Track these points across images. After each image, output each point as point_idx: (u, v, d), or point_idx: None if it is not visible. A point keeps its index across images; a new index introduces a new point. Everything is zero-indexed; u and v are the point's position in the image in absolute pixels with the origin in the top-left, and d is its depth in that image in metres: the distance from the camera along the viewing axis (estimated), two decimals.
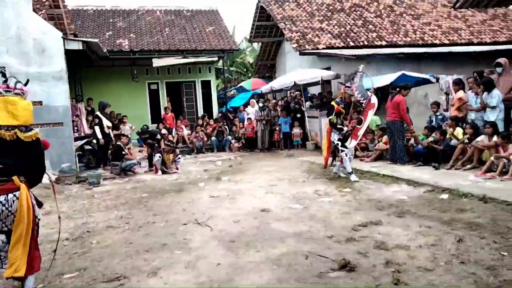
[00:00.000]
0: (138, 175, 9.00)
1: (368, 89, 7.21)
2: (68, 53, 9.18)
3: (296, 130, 12.09)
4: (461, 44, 13.90)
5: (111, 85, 14.47)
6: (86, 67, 13.13)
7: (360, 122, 7.08)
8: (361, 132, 7.17)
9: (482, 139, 6.83)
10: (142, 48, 13.85)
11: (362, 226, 4.29)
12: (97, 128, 9.65)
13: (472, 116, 7.61)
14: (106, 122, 9.70)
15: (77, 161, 9.26)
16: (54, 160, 8.80)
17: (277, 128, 12.36)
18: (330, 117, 6.92)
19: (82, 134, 10.76)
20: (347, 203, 5.37)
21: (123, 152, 9.09)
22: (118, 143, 9.41)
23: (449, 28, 14.97)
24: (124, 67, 14.74)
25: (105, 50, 11.83)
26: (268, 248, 3.83)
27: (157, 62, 13.71)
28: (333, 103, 6.99)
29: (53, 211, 5.89)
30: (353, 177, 6.74)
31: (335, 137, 6.96)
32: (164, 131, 11.70)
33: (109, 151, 9.92)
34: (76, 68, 12.37)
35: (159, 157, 8.94)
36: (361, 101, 7.13)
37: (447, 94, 8.88)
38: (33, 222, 2.84)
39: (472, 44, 13.97)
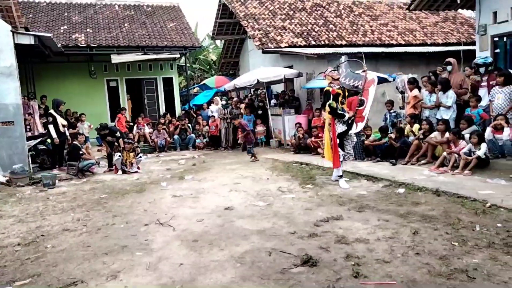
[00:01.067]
0: (96, 175, 8.67)
1: (356, 73, 6.75)
2: (19, 48, 8.66)
3: (260, 128, 12.14)
4: (416, 45, 14.54)
5: (67, 82, 13.84)
6: (40, 63, 12.45)
7: (362, 103, 6.49)
8: (366, 111, 6.58)
9: (435, 136, 7.19)
10: (100, 43, 13.33)
11: (324, 221, 4.38)
12: (51, 127, 9.18)
13: (426, 113, 7.99)
14: (61, 121, 9.26)
15: (30, 161, 8.76)
16: (5, 161, 8.30)
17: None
18: (329, 101, 6.08)
19: (36, 133, 10.20)
20: (310, 199, 5.47)
21: (80, 152, 8.72)
22: (74, 142, 9.01)
23: (405, 29, 15.61)
24: (80, 63, 14.13)
25: (59, 45, 11.29)
26: (232, 246, 3.82)
27: (116, 58, 13.25)
28: (327, 88, 6.23)
29: (4, 215, 5.57)
30: (343, 184, 6.04)
31: (339, 128, 6.17)
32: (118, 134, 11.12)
33: (65, 151, 9.49)
34: (28, 64, 11.69)
35: (119, 156, 8.67)
36: (356, 85, 6.61)
37: (402, 92, 9.25)
38: None
39: (425, 44, 14.65)
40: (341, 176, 6.15)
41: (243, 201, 5.54)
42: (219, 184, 6.87)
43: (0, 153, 8.33)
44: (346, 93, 6.45)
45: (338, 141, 6.14)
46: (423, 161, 7.24)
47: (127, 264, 3.55)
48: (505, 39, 9.00)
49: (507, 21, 8.76)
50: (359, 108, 6.49)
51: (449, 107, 7.45)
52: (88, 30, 13.96)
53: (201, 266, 3.40)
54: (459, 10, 13.73)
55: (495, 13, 9.04)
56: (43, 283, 3.25)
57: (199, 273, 3.27)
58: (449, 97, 7.44)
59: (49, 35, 9.79)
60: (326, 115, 6.41)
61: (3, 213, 5.65)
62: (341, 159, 6.19)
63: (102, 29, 14.17)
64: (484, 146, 6.28)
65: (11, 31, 8.46)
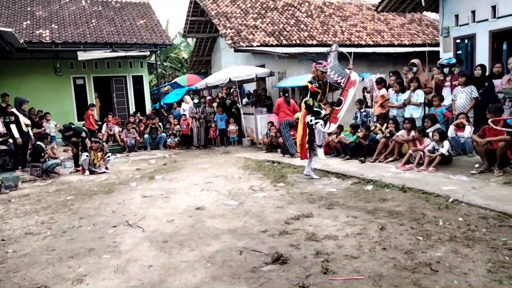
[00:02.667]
0: (62, 176, 8.37)
1: (342, 68, 6.60)
2: None
3: (232, 127, 12.12)
4: (384, 45, 14.93)
5: (30, 80, 13.26)
6: (0, 60, 11.87)
7: (339, 103, 6.46)
8: (341, 114, 6.47)
9: (401, 134, 7.41)
10: (65, 40, 12.85)
11: (295, 219, 4.42)
12: (13, 127, 8.75)
13: (394, 112, 8.22)
14: (24, 120, 8.86)
15: None
16: None
17: (213, 125, 12.28)
18: (306, 98, 6.12)
19: None
20: (281, 197, 5.51)
21: (42, 154, 8.37)
22: (38, 142, 8.66)
23: (373, 30, 15.99)
24: (45, 60, 13.57)
25: (22, 41, 10.80)
26: (203, 246, 3.79)
27: (82, 56, 12.82)
28: (306, 83, 6.17)
29: None
30: (314, 176, 6.50)
31: (309, 119, 6.18)
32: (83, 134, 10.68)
33: (28, 151, 9.10)
34: None
35: (86, 156, 8.40)
36: (338, 81, 6.47)
37: (368, 92, 9.47)
38: None
39: (393, 45, 15.07)
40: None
41: (214, 201, 5.51)
42: (191, 183, 6.80)
43: None
44: (327, 89, 6.36)
45: (307, 135, 6.19)
46: (390, 159, 7.45)
47: (94, 267, 3.45)
48: (466, 41, 9.41)
49: (467, 24, 9.15)
50: (336, 108, 6.44)
51: (420, 105, 7.70)
52: (53, 25, 13.44)
53: (171, 267, 3.35)
54: (424, 13, 14.19)
55: (457, 16, 9.43)
56: None
57: (169, 274, 3.23)
58: (420, 95, 7.69)
59: (9, 30, 9.35)
60: (301, 111, 6.30)
61: None
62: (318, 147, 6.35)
63: (68, 25, 13.67)
64: (447, 144, 6.54)
65: None
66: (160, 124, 13.19)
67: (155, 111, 14.70)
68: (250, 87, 14.30)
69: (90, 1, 15.60)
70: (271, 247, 3.63)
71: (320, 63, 6.17)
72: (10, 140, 9.08)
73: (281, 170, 7.53)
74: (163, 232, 4.29)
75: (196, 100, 12.25)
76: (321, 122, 6.25)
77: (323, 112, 6.17)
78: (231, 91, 13.60)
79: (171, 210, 5.18)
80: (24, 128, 8.92)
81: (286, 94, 9.59)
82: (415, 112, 7.71)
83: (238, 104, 12.37)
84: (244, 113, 12.05)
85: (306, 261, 3.30)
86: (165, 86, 19.62)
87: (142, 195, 6.14)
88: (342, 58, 6.94)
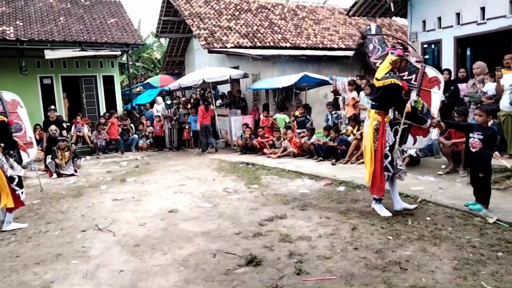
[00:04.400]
0: (28, 179, 8.03)
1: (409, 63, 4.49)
2: None
3: None
4: (355, 49, 15.26)
5: None
6: None
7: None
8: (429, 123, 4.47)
9: None
10: (31, 37, 12.35)
11: (269, 220, 4.44)
12: None
13: (365, 114, 8.41)
14: None
15: None
16: None
17: (186, 127, 12.15)
18: (414, 98, 4.30)
19: None
20: (255, 199, 5.52)
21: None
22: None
23: (345, 33, 16.34)
24: (9, 58, 12.97)
25: None
26: (175, 249, 3.74)
27: (50, 54, 12.36)
28: (392, 80, 4.15)
29: None
30: (381, 210, 4.43)
31: (390, 139, 4.34)
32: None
33: None
34: None
35: (51, 158, 8.09)
36: (405, 78, 4.47)
37: (338, 94, 9.63)
38: None
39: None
40: (379, 200, 4.45)
41: (188, 203, 5.45)
42: (163, 186, 6.69)
43: None
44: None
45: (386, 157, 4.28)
46: (361, 160, 7.60)
47: (61, 273, 3.33)
48: (432, 46, 9.77)
49: (434, 29, 9.51)
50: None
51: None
52: (17, 22, 12.89)
53: (143, 272, 3.28)
54: (394, 18, 14.64)
55: (424, 22, 9.78)
56: None
57: (141, 279, 3.16)
58: None
59: None
60: (373, 116, 4.36)
61: None
62: (386, 180, 4.39)
63: (34, 22, 13.15)
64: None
65: None
66: (132, 125, 12.92)
67: (127, 112, 14.38)
68: (224, 89, 14.26)
69: None
70: (245, 249, 3.62)
71: (406, 49, 4.35)
72: None
73: (255, 172, 7.54)
74: (134, 236, 4.20)
75: (168, 101, 12.08)
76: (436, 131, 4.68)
77: (428, 121, 4.42)
78: (206, 93, 13.51)
79: (143, 213, 5.07)
80: None
81: (206, 103, 11.28)
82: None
83: (212, 106, 12.29)
84: (218, 115, 11.99)
85: (280, 262, 3.31)
86: (137, 87, 19.26)
87: (113, 198, 5.98)
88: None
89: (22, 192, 4.77)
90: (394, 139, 4.35)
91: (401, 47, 4.34)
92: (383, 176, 4.29)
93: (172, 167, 8.73)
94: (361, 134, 7.75)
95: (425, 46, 9.90)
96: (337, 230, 4.01)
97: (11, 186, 4.59)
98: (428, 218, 4.20)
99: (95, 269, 3.39)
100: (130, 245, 3.91)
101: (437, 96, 4.55)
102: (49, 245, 4.04)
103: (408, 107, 4.25)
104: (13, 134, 5.01)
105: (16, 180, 4.73)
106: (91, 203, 5.76)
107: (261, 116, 10.91)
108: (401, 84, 4.21)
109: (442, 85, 4.55)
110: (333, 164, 7.69)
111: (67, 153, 8.32)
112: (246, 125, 10.72)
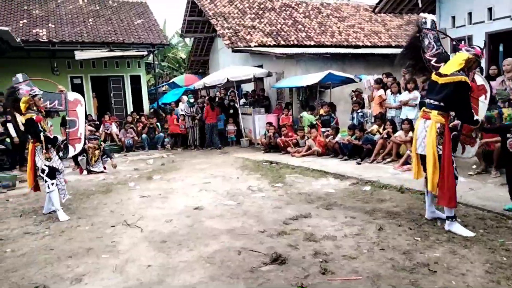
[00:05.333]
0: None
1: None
2: None
3: (230, 127, 12.13)
4: (381, 46, 14.99)
5: None
6: None
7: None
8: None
9: (399, 135, 7.44)
10: (62, 39, 12.81)
11: (293, 219, 4.43)
12: (10, 126, 8.72)
13: (392, 113, 8.24)
14: (21, 119, 8.80)
15: None
16: None
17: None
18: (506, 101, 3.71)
19: None
20: (279, 197, 5.52)
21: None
22: None
23: (371, 31, 16.05)
24: (42, 59, 13.49)
25: (18, 40, 10.75)
26: (201, 246, 3.79)
27: (80, 55, 12.77)
28: (463, 78, 3.68)
29: None
30: (459, 229, 3.78)
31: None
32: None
33: (26, 151, 9.05)
34: None
35: (83, 156, 8.37)
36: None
37: (358, 93, 9.49)
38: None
39: (390, 46, 15.13)
40: (454, 217, 3.83)
41: (212, 201, 5.51)
42: (189, 184, 6.79)
43: None
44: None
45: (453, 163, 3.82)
46: (388, 159, 7.48)
47: (92, 267, 3.44)
48: (463, 42, 9.45)
49: (464, 25, 9.21)
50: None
51: (415, 106, 7.73)
52: (50, 25, 13.39)
53: (169, 267, 3.35)
54: (421, 14, 14.26)
55: (453, 18, 9.49)
56: None
57: (167, 274, 3.23)
58: (415, 97, 7.72)
59: (6, 29, 9.32)
60: (436, 118, 3.84)
61: None
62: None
63: (65, 24, 13.62)
64: None
65: None
66: (158, 124, 13.16)
67: (153, 111, 14.67)
68: (248, 88, 14.31)
69: (87, 0, 15.55)
70: (270, 247, 3.64)
71: (480, 48, 4.00)
72: (8, 140, 9.07)
73: (279, 171, 7.54)
74: (161, 232, 4.29)
75: (191, 100, 12.20)
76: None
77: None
78: (229, 92, 13.60)
79: (169, 210, 5.17)
80: (22, 128, 8.87)
81: (212, 103, 11.71)
82: (410, 113, 7.74)
83: (236, 105, 12.37)
84: (242, 114, 12.06)
85: (305, 261, 3.31)
86: (163, 86, 19.58)
87: (140, 195, 6.12)
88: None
89: (52, 184, 5.05)
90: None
91: (479, 47, 3.99)
92: (455, 184, 3.76)
93: (196, 165, 8.84)
94: (387, 133, 7.65)
95: (454, 43, 9.58)
96: (363, 230, 3.96)
97: (35, 172, 5.14)
98: (459, 220, 4.08)
99: (124, 263, 3.49)
100: (157, 241, 4.00)
101: (484, 106, 4.32)
102: (80, 240, 4.18)
103: (481, 118, 3.91)
104: (67, 130, 5.65)
105: (47, 171, 5.03)
106: (120, 199, 5.92)
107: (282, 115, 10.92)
108: (470, 85, 3.80)
109: (488, 94, 4.31)
110: (358, 163, 7.59)
111: (97, 152, 8.60)
112: (270, 123, 10.72)
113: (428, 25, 4.41)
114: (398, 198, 5.10)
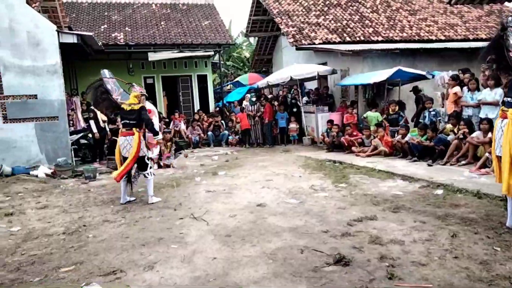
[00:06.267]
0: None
1: None
2: (63, 47, 9.09)
3: (293, 125, 12.11)
4: (457, 40, 13.93)
5: None
6: (81, 61, 13.02)
7: None
8: None
9: (477, 135, 6.88)
10: (137, 41, 13.76)
11: (358, 221, 4.32)
12: (92, 122, 9.61)
13: (469, 112, 7.63)
14: (101, 116, 9.65)
15: (73, 155, 9.22)
16: (50, 154, 8.78)
17: (273, 123, 12.35)
18: None
19: (78, 128, 10.71)
20: (343, 198, 5.41)
21: None
22: (114, 137, 9.37)
23: (445, 24, 14.98)
24: (119, 61, 14.63)
25: (100, 44, 11.74)
26: (264, 242, 3.86)
27: (152, 56, 13.62)
28: None
29: (49, 205, 5.90)
30: None
31: None
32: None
33: (105, 145, 9.89)
34: (71, 62, 12.25)
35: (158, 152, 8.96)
36: None
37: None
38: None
39: (468, 40, 14.00)
40: None
41: (275, 198, 5.56)
42: (252, 180, 6.92)
43: (45, 146, 8.82)
44: None
45: None
46: (463, 162, 6.95)
47: (163, 256, 3.67)
48: None
49: None
50: None
51: (497, 105, 7.08)
52: (126, 28, 14.44)
53: (234, 261, 3.45)
54: (506, 3, 12.98)
55: None
56: (85, 270, 3.43)
57: (232, 267, 3.33)
58: (497, 94, 7.07)
59: (90, 34, 10.21)
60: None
61: (49, 203, 5.99)
62: None
63: (140, 28, 14.61)
64: None
65: (56, 30, 8.91)
66: (222, 122, 13.57)
67: (219, 109, 15.15)
68: (312, 85, 14.16)
69: (160, 5, 16.50)
70: (333, 248, 3.59)
71: None
72: (90, 135, 9.98)
73: (343, 170, 7.37)
74: (226, 226, 4.43)
75: (253, 99, 12.36)
76: None
77: None
78: (292, 91, 13.57)
79: (233, 205, 5.32)
80: (101, 124, 9.73)
81: (271, 101, 12.11)
82: (490, 113, 7.09)
83: (298, 103, 12.31)
84: (304, 112, 11.98)
85: (370, 264, 3.21)
86: (227, 85, 20.13)
87: (206, 190, 6.38)
88: None
89: (151, 173, 5.85)
90: None
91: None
92: None
93: (259, 162, 8.97)
94: (463, 134, 7.10)
95: None
96: (434, 236, 3.74)
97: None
98: None
99: (191, 254, 3.67)
100: (222, 235, 4.14)
101: None
102: (152, 230, 4.48)
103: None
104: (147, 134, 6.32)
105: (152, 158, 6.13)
106: (187, 193, 6.22)
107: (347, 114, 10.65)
108: None
109: None
110: (429, 165, 7.15)
111: (169, 143, 9.50)
112: (331, 122, 10.52)
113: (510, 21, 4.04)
114: (475, 203, 4.72)
